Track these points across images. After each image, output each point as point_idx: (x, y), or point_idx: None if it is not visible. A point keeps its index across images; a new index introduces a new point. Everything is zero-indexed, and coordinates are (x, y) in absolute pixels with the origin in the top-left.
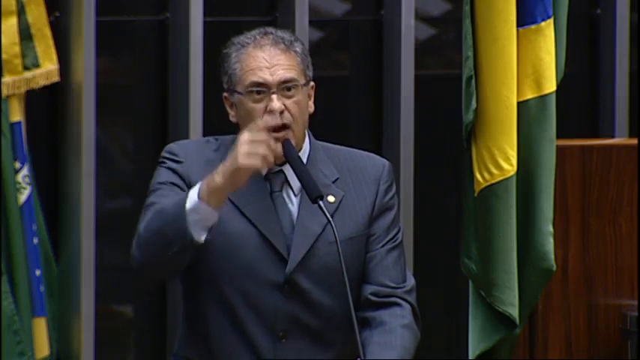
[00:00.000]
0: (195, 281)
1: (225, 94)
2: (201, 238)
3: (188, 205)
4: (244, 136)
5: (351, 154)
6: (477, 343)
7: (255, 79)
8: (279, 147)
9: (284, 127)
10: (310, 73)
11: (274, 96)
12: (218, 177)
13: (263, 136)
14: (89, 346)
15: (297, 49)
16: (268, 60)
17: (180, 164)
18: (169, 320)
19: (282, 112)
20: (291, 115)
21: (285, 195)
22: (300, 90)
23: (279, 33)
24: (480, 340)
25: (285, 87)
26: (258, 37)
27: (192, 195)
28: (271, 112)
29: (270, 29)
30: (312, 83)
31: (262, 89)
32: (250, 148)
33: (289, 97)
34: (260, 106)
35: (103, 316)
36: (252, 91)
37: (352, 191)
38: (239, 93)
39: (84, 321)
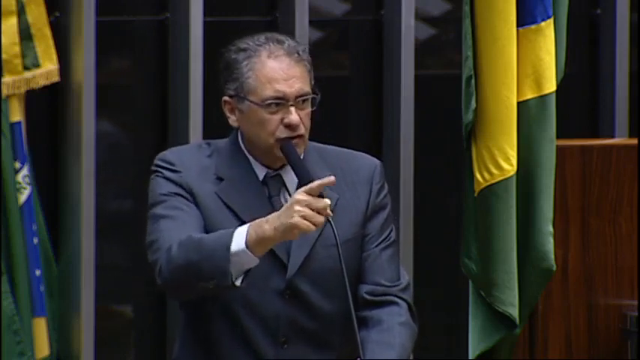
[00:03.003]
0: None
1: (226, 98)
2: (238, 281)
3: (233, 247)
4: (302, 197)
5: (343, 155)
6: (477, 343)
7: (273, 92)
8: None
9: (299, 137)
10: (313, 82)
11: (292, 109)
12: (269, 229)
13: (324, 203)
14: (89, 346)
15: (306, 58)
16: (285, 71)
17: (178, 174)
18: (169, 320)
19: (298, 125)
20: (304, 126)
21: (282, 199)
22: (310, 101)
23: (290, 41)
24: (480, 340)
25: (301, 99)
26: (271, 44)
27: (239, 238)
28: (289, 125)
29: (280, 37)
30: None
31: (280, 101)
32: (308, 212)
33: (302, 109)
34: (276, 117)
35: (103, 316)
36: (270, 103)
37: (346, 193)
38: (253, 102)
39: (84, 321)
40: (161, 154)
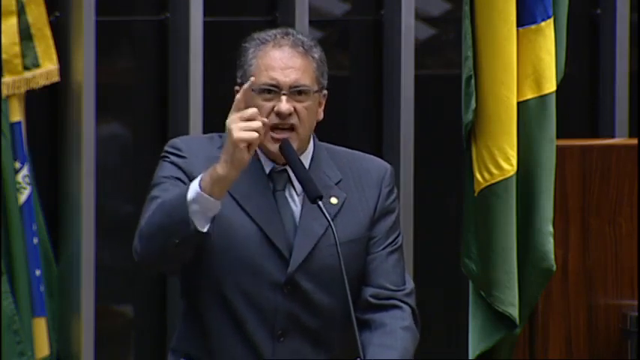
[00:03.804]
0: (195, 278)
1: (237, 87)
2: (204, 228)
3: (189, 195)
4: (233, 115)
5: (354, 157)
6: (477, 343)
7: (267, 79)
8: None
9: (290, 128)
10: (325, 81)
11: (284, 97)
12: (219, 166)
13: (252, 111)
14: (89, 346)
15: (315, 55)
16: (284, 61)
17: (184, 159)
18: (169, 320)
19: (290, 114)
20: (299, 118)
21: (287, 194)
22: (311, 96)
23: (300, 36)
24: (480, 340)
25: (297, 91)
26: (278, 36)
27: (194, 186)
28: (278, 113)
29: (292, 30)
30: (325, 91)
31: (273, 89)
32: (243, 123)
33: (299, 102)
34: (268, 104)
35: (103, 316)
36: (263, 90)
37: (355, 193)
38: (251, 89)
39: (84, 321)
40: (171, 141)
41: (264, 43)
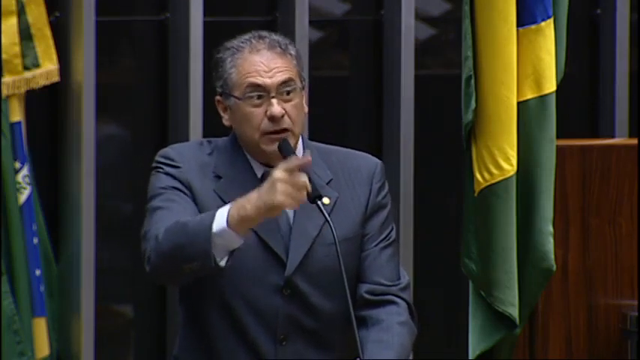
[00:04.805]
0: (195, 286)
1: (218, 97)
2: (223, 261)
3: (215, 228)
4: (282, 174)
5: (343, 154)
6: (477, 343)
7: (253, 81)
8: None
9: (284, 130)
10: (304, 75)
11: (274, 100)
12: (250, 208)
13: (302, 178)
14: (89, 346)
15: (292, 52)
16: (266, 64)
17: (178, 169)
18: (169, 320)
19: (282, 117)
20: (291, 119)
21: None
22: (298, 93)
23: (274, 36)
24: (480, 340)
25: (285, 90)
26: (253, 40)
27: (220, 219)
28: (272, 117)
29: (264, 33)
30: (304, 83)
31: (261, 93)
32: (289, 188)
33: (288, 101)
34: (259, 110)
35: (103, 316)
36: (251, 96)
37: (346, 192)
38: (236, 97)
39: (84, 321)
40: (162, 151)
41: (240, 50)
